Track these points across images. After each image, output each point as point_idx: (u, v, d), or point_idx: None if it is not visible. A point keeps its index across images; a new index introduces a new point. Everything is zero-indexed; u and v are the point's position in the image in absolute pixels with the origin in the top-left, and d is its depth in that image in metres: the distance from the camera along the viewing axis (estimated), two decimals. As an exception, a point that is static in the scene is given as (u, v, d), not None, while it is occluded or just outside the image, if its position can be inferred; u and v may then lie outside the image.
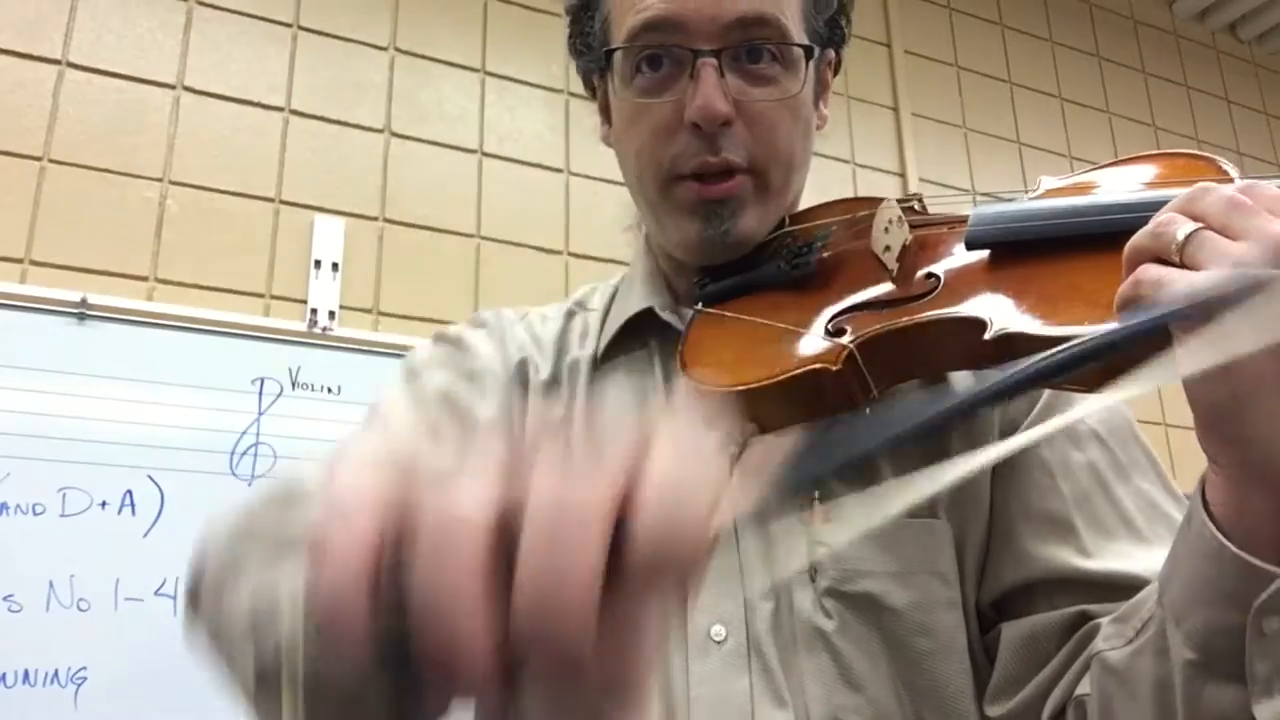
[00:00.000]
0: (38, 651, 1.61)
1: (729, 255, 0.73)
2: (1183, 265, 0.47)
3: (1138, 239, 0.50)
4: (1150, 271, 0.48)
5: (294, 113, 2.15)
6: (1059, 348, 0.45)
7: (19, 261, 1.85)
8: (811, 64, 0.74)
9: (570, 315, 0.82)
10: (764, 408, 0.63)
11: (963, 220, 0.65)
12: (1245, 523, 0.49)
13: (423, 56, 2.32)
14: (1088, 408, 0.62)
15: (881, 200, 0.69)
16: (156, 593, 1.70)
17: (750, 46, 0.70)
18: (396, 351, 1.96)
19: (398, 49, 2.29)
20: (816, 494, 0.63)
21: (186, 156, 2.03)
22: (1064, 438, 0.68)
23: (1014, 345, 0.56)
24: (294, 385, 1.92)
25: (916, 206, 0.70)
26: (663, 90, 0.72)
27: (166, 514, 1.74)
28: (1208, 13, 3.61)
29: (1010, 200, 0.65)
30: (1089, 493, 0.66)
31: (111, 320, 1.82)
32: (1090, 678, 0.59)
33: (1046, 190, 0.65)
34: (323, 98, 2.17)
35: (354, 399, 1.94)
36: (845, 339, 0.62)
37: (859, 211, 0.72)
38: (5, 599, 1.63)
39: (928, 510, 0.67)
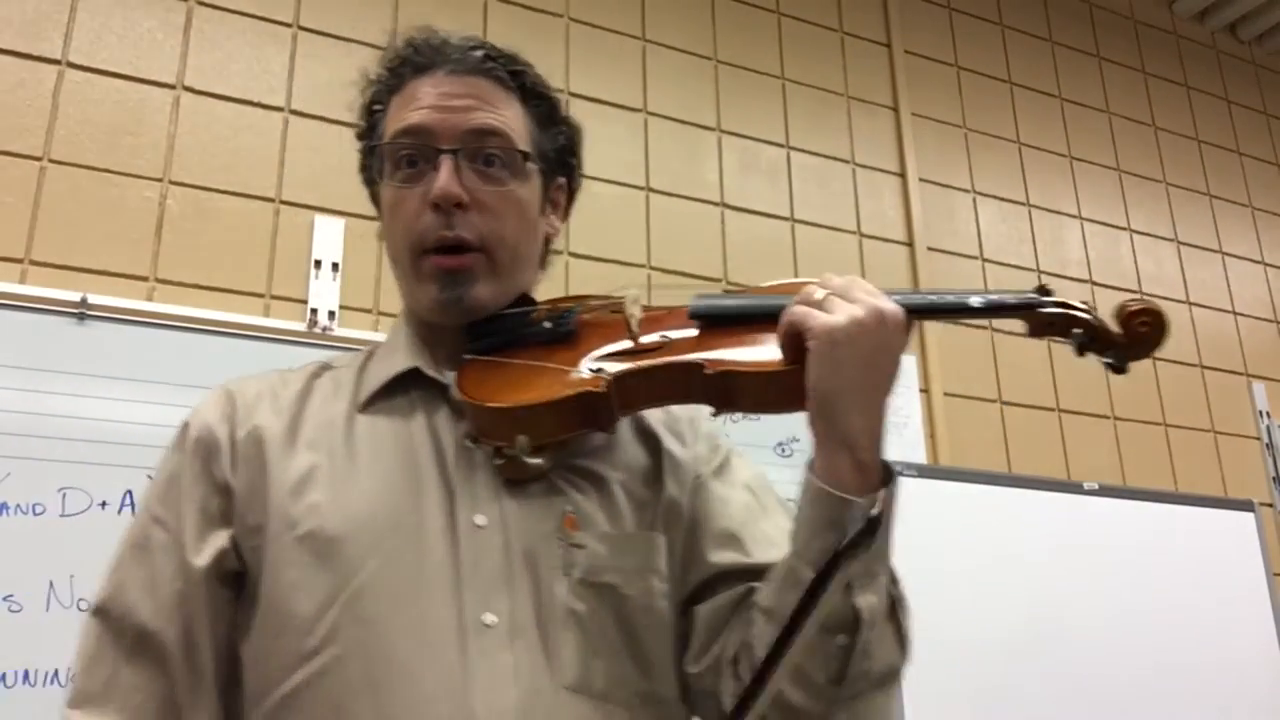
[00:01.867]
0: (38, 651, 1.61)
1: (466, 318, 0.92)
2: (821, 310, 0.80)
3: (798, 296, 0.83)
4: (798, 309, 0.81)
5: (294, 113, 2.15)
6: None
7: (19, 261, 1.85)
8: (539, 179, 0.96)
9: (315, 375, 0.98)
10: (538, 421, 0.85)
11: (681, 309, 0.93)
12: (834, 476, 0.78)
13: (423, 56, 2.32)
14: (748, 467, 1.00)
15: (623, 292, 0.96)
16: (156, 593, 1.70)
17: (485, 152, 0.91)
18: (396, 351, 1.95)
19: (398, 49, 2.29)
20: (570, 508, 0.87)
21: (186, 156, 2.03)
22: (731, 484, 0.97)
23: (727, 378, 0.84)
24: (294, 385, 1.91)
25: (642, 299, 0.96)
26: (415, 182, 0.91)
27: (166, 514, 1.74)
28: (1208, 13, 3.61)
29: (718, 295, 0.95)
30: (746, 520, 0.94)
31: (111, 320, 1.82)
32: (752, 626, 0.84)
33: (726, 289, 0.97)
34: (323, 98, 2.17)
35: (354, 399, 1.93)
36: (606, 373, 0.86)
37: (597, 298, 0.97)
38: (5, 599, 1.63)
39: (649, 525, 0.91)
